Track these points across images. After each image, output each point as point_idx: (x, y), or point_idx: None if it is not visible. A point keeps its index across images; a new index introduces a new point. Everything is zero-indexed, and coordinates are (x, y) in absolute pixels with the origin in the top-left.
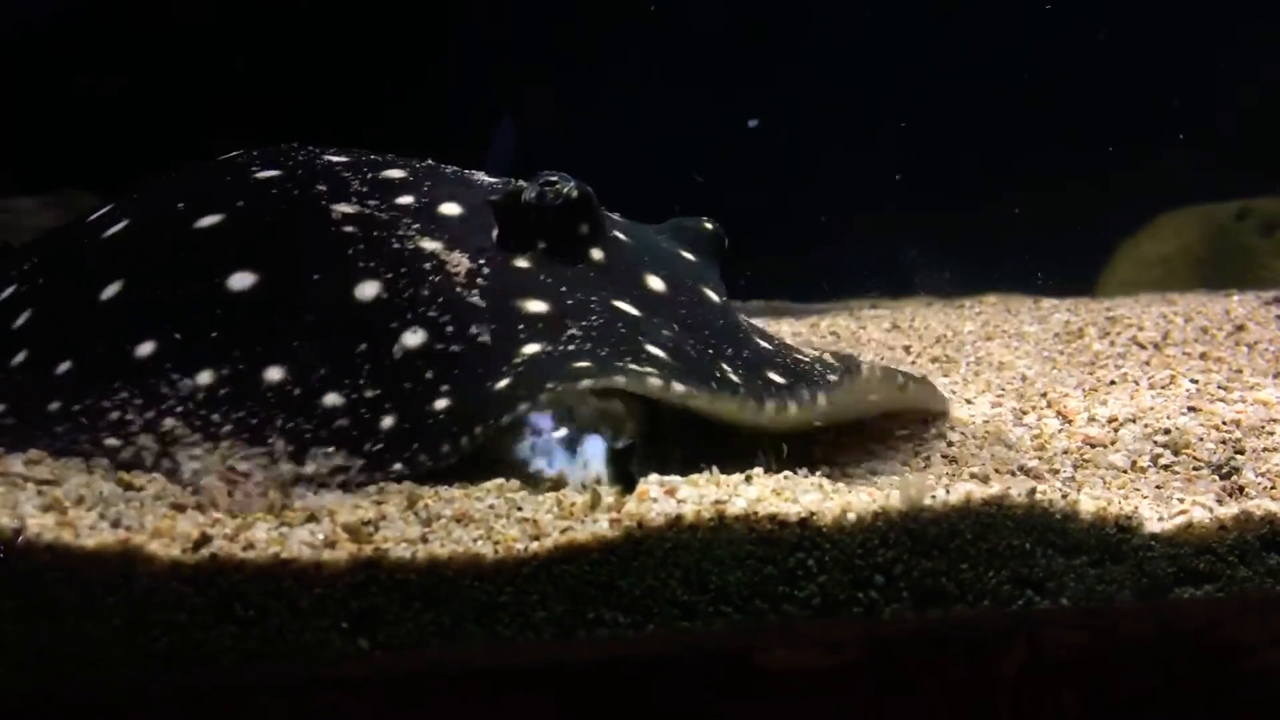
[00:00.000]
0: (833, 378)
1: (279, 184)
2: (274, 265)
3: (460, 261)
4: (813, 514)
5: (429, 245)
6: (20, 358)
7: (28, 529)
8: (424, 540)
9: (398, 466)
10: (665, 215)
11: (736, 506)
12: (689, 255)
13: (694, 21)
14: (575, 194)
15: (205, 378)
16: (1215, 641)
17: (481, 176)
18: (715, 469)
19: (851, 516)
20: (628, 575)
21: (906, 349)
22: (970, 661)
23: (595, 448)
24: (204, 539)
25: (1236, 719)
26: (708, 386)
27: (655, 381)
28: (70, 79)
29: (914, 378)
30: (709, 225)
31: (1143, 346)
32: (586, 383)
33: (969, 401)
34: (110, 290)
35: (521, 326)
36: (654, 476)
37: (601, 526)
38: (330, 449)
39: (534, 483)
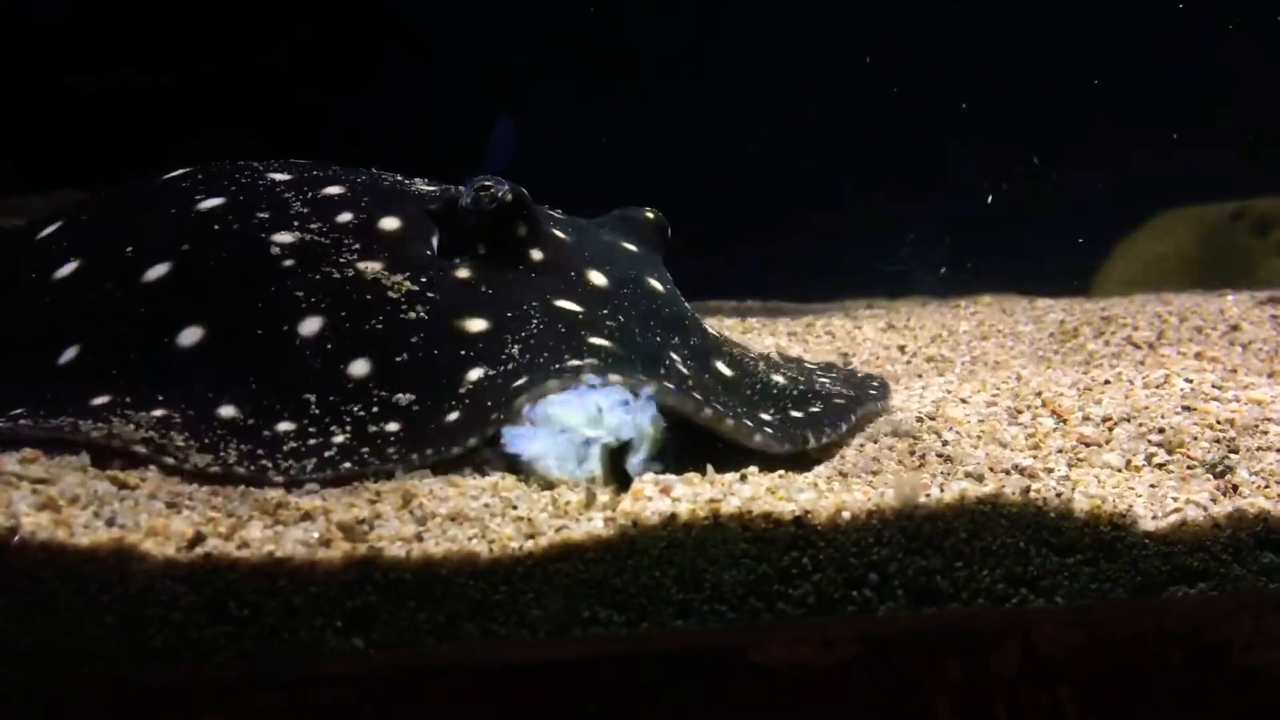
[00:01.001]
0: (777, 377)
1: (221, 217)
2: (220, 315)
3: (401, 283)
4: (807, 512)
5: (370, 267)
6: None
7: (23, 528)
8: (419, 539)
9: (346, 465)
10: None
11: (731, 505)
12: (631, 246)
13: (692, 20)
14: (510, 197)
15: (159, 412)
16: (1210, 640)
17: (420, 184)
18: (710, 467)
19: (846, 515)
20: (623, 573)
21: (902, 349)
22: (968, 660)
23: (591, 446)
24: (198, 538)
25: (1231, 718)
26: (656, 376)
27: (590, 374)
28: (67, 76)
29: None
30: (651, 214)
31: (1137, 346)
32: (522, 399)
33: (964, 401)
34: (68, 355)
35: (464, 351)
36: (649, 475)
37: (596, 525)
38: (283, 462)
39: (528, 479)
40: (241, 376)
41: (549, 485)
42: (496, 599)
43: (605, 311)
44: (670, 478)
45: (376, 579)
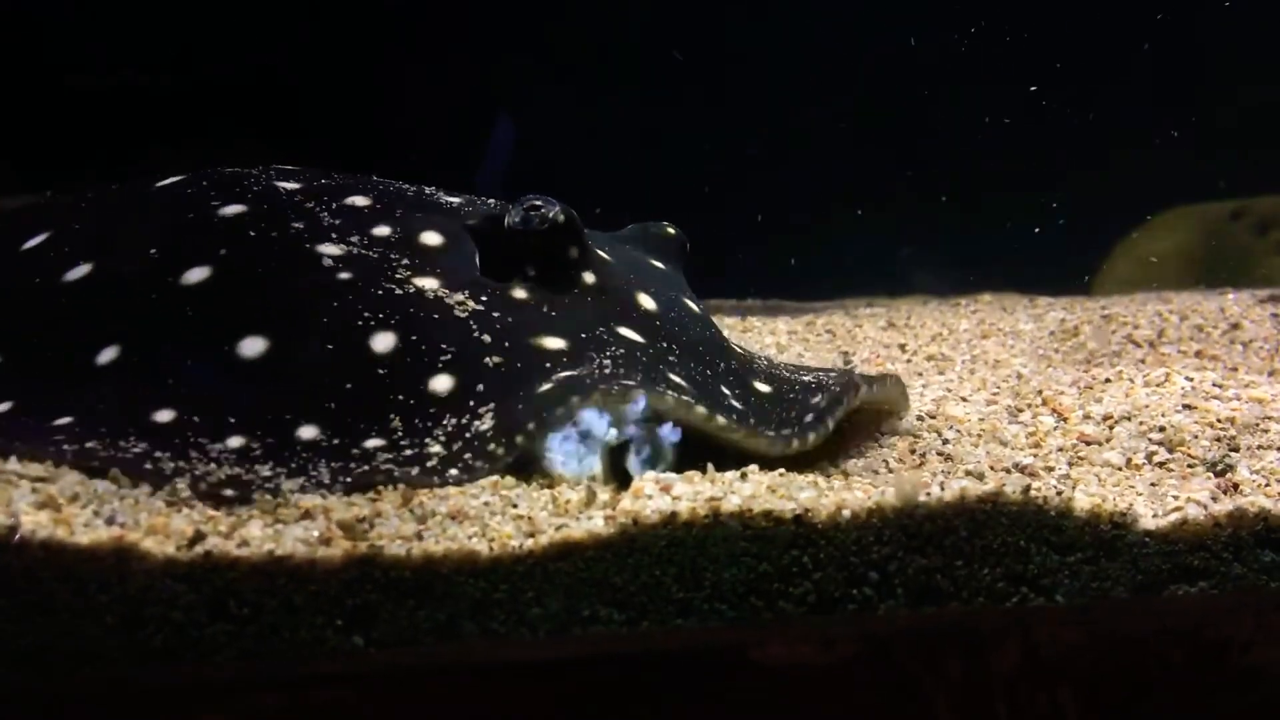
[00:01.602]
0: (808, 378)
1: (251, 223)
2: (282, 327)
3: (465, 302)
4: (808, 511)
5: (427, 284)
6: (5, 407)
7: (22, 526)
8: (419, 537)
9: (453, 473)
10: (663, 216)
11: (731, 503)
12: (659, 264)
13: (691, 20)
14: (561, 218)
15: (236, 442)
16: (1211, 639)
17: (441, 195)
18: (710, 466)
19: (846, 513)
20: (623, 572)
21: (902, 347)
22: (968, 658)
23: (591, 445)
24: (198, 536)
25: (1232, 717)
26: (743, 419)
27: (701, 410)
28: (67, 76)
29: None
30: (671, 230)
31: (1138, 345)
32: (639, 393)
33: (964, 399)
34: (107, 355)
35: (548, 364)
36: (649, 473)
37: (597, 523)
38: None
39: (528, 478)
40: (318, 395)
41: (549, 483)
42: (497, 597)
43: (664, 343)
44: (671, 476)
45: (377, 577)
